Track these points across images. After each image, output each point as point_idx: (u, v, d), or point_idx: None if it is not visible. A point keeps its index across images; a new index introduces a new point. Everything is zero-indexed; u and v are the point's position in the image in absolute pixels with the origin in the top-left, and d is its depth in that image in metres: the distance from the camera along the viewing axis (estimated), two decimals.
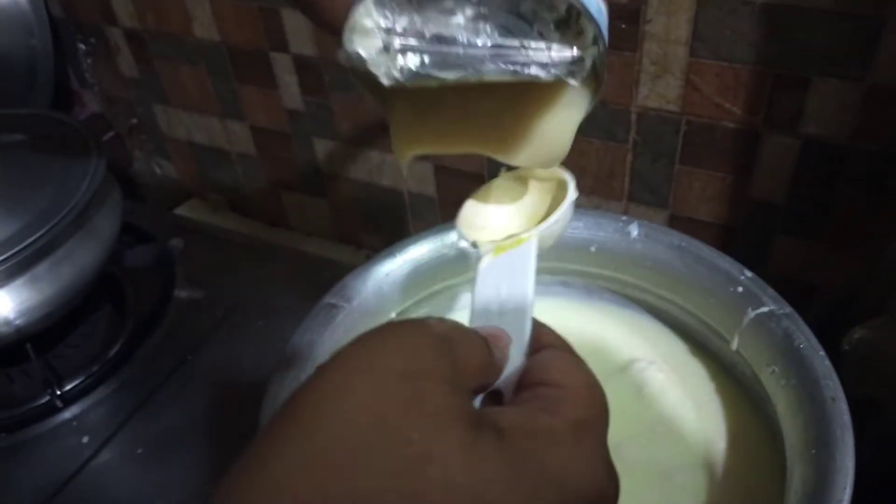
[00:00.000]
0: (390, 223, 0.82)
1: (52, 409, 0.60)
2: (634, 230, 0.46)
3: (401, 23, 0.28)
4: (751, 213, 0.61)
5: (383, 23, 0.28)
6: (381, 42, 0.29)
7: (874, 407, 0.46)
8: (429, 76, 0.29)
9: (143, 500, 0.54)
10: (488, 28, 0.29)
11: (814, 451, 0.34)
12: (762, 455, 0.41)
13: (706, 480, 0.40)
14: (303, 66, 0.73)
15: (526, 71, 0.29)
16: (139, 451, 0.57)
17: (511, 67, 0.29)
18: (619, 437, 0.42)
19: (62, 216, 0.57)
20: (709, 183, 0.61)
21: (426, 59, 0.29)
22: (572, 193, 0.35)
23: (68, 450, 0.57)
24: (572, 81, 0.29)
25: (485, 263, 0.33)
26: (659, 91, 0.58)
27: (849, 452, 0.33)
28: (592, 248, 0.47)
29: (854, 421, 0.36)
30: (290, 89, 0.75)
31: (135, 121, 0.90)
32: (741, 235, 0.63)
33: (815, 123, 0.54)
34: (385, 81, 0.28)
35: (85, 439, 0.58)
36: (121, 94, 0.89)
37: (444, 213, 0.78)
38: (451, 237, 0.49)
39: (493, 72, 0.29)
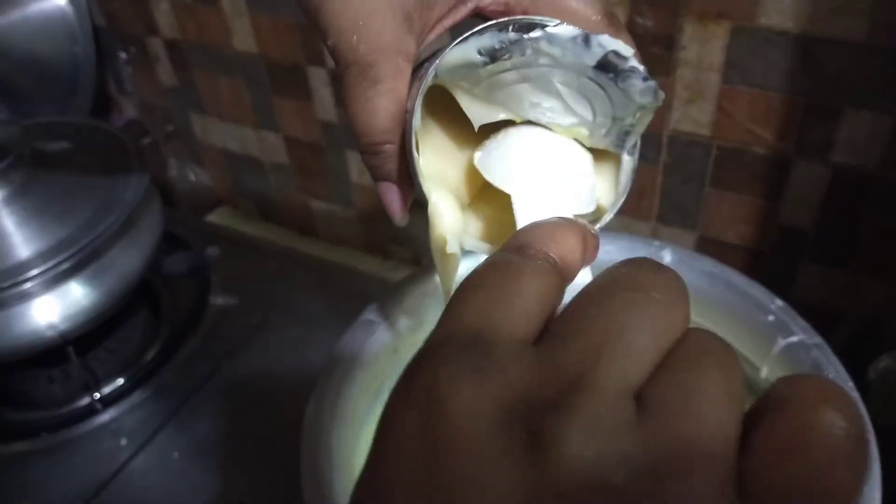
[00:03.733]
0: (418, 234, 0.83)
1: (91, 411, 0.62)
2: (667, 255, 0.47)
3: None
4: (779, 238, 0.62)
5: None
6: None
7: None
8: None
9: (178, 502, 0.56)
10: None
11: None
12: None
13: None
14: (337, 78, 0.74)
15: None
16: (175, 455, 0.58)
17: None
18: None
19: (107, 225, 0.59)
20: (738, 206, 0.62)
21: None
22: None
23: (107, 452, 0.59)
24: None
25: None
26: (691, 115, 0.59)
27: (876, 486, 0.34)
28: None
29: (879, 451, 0.37)
30: (324, 102, 0.77)
31: (171, 128, 0.92)
32: (768, 259, 0.64)
33: (845, 153, 0.55)
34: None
35: (123, 441, 0.59)
36: (158, 101, 0.91)
37: None
38: (487, 254, 0.50)
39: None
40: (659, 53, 0.57)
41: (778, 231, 0.62)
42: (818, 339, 0.41)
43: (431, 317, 0.49)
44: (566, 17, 0.30)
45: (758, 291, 0.44)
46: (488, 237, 0.35)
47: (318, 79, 0.75)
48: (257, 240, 0.83)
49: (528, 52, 0.30)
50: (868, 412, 0.40)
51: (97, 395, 0.62)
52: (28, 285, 0.56)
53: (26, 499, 0.56)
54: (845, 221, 0.58)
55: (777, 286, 0.64)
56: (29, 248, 0.57)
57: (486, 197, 0.35)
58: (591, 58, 0.30)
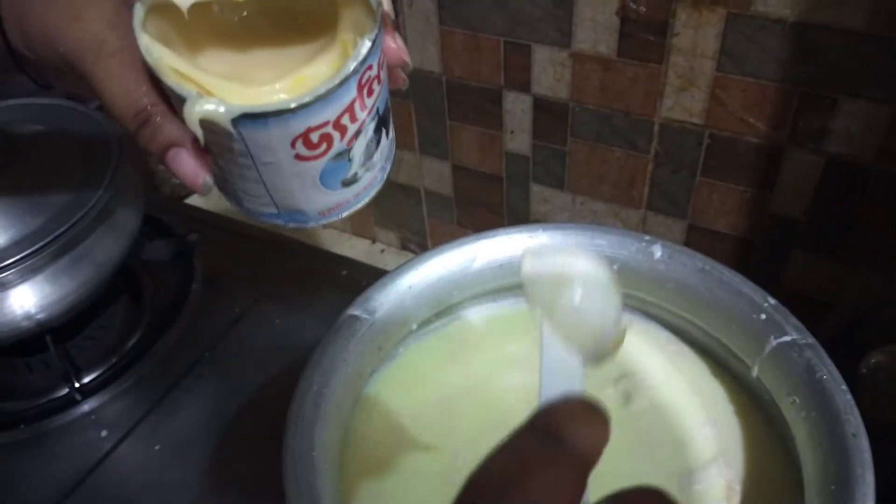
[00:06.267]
0: (406, 220, 0.82)
1: (70, 402, 0.60)
2: (658, 251, 0.46)
3: None
4: (770, 228, 0.61)
5: None
6: None
7: (891, 432, 0.47)
8: None
9: (161, 496, 0.55)
10: None
11: (833, 488, 0.35)
12: (781, 484, 0.41)
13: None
14: None
15: None
16: (157, 447, 0.57)
17: None
18: (631, 448, 0.43)
19: (85, 212, 0.57)
20: (729, 196, 0.61)
21: None
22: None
23: (87, 443, 0.58)
24: None
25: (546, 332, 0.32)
26: (683, 104, 0.58)
27: (869, 492, 0.34)
28: (615, 267, 0.47)
29: (871, 445, 0.37)
30: None
31: None
32: (759, 249, 0.63)
33: (839, 143, 0.54)
34: None
35: (104, 433, 0.58)
36: None
37: (460, 212, 0.78)
38: (472, 250, 0.49)
39: None
40: (652, 40, 0.56)
41: (769, 220, 0.61)
42: (811, 339, 0.41)
43: (417, 312, 0.48)
44: None
45: (750, 289, 0.43)
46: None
47: None
48: (241, 224, 0.81)
49: None
50: (859, 408, 0.39)
51: (76, 385, 0.61)
52: (3, 275, 0.54)
53: (2, 493, 0.55)
54: (838, 211, 0.58)
55: (767, 276, 0.64)
56: (3, 236, 0.55)
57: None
58: None
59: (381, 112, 0.32)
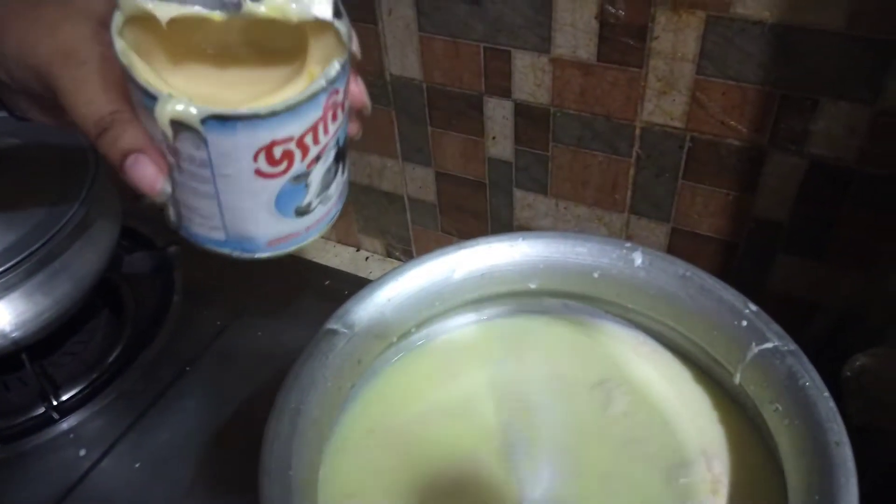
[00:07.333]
0: (391, 228, 0.82)
1: (48, 421, 0.60)
2: (638, 258, 0.46)
3: None
4: (753, 231, 0.61)
5: None
6: None
7: (875, 436, 0.46)
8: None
9: None
10: None
11: (817, 498, 0.34)
12: (767, 485, 0.41)
13: None
14: None
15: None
16: (137, 465, 0.56)
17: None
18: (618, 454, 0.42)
19: (61, 226, 0.56)
20: (711, 199, 0.61)
21: None
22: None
23: (65, 463, 0.57)
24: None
25: None
26: (664, 107, 0.58)
27: (853, 501, 0.33)
28: (595, 275, 0.46)
29: (854, 449, 0.36)
30: None
31: None
32: (743, 252, 0.63)
33: (821, 145, 0.54)
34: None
35: (82, 452, 0.57)
36: None
37: (444, 219, 0.77)
38: (452, 261, 0.48)
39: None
40: (631, 44, 0.55)
41: (752, 223, 0.60)
42: (793, 346, 0.40)
43: (397, 324, 0.47)
44: None
45: (731, 296, 0.43)
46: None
47: None
48: None
49: None
50: (843, 411, 0.39)
51: (54, 403, 0.60)
52: None
53: None
54: (821, 213, 0.57)
55: (751, 278, 0.63)
56: None
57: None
58: None
59: (340, 143, 0.32)
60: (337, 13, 0.31)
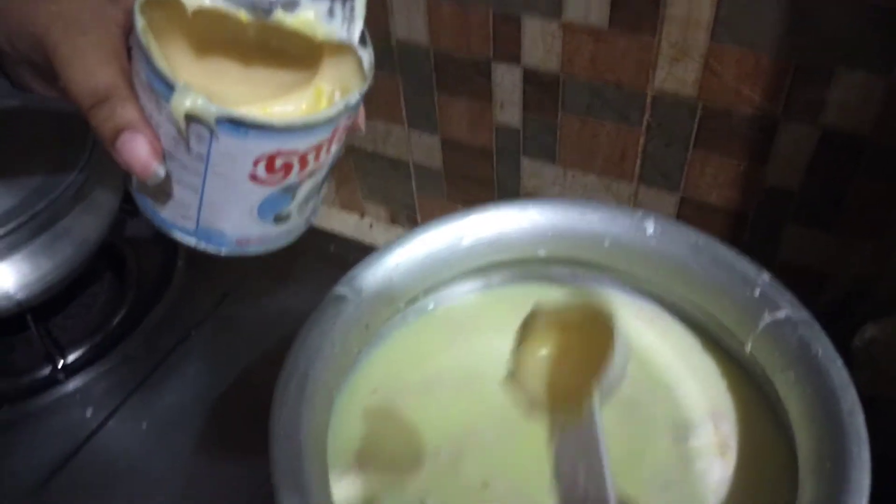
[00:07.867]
0: (396, 195, 0.81)
1: (54, 381, 0.60)
2: (650, 227, 0.45)
3: None
4: (764, 201, 0.60)
5: None
6: None
7: (885, 406, 0.46)
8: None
9: (149, 474, 0.54)
10: None
11: (828, 466, 0.34)
12: (775, 453, 0.41)
13: (714, 482, 0.40)
14: None
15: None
16: (143, 425, 0.57)
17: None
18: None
19: (63, 189, 0.56)
20: (722, 169, 0.60)
21: None
22: (621, 342, 0.34)
23: (73, 422, 0.57)
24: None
25: (557, 443, 0.33)
26: (676, 75, 0.57)
27: (865, 469, 0.33)
28: (606, 243, 0.46)
29: (865, 419, 0.36)
30: None
31: None
32: (753, 222, 0.62)
33: (836, 115, 0.53)
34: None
35: (89, 413, 0.58)
36: None
37: (449, 187, 0.77)
38: (460, 227, 0.48)
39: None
40: (644, 9, 0.54)
41: (763, 193, 0.60)
42: (805, 315, 0.40)
43: (405, 290, 0.47)
44: None
45: (744, 265, 0.42)
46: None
47: None
48: None
49: None
50: (854, 382, 0.39)
51: (59, 365, 0.60)
52: None
53: None
54: (833, 184, 0.57)
55: (762, 249, 0.63)
56: None
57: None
58: None
59: (332, 165, 0.33)
60: (363, 41, 0.31)
